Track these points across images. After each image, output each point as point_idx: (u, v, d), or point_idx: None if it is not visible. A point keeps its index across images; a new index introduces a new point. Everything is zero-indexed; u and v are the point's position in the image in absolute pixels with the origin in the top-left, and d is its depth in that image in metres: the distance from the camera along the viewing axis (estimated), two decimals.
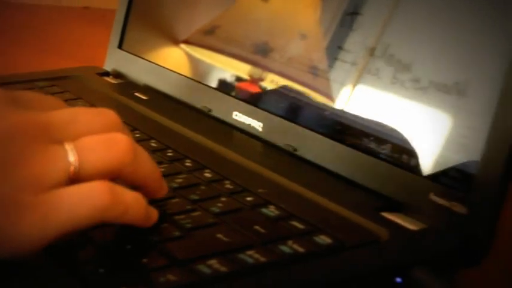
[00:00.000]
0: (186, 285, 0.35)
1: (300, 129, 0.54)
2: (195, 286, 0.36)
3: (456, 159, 0.44)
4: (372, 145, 0.49)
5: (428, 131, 0.46)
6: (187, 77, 0.67)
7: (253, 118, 0.58)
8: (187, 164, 0.51)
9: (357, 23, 0.52)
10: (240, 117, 0.59)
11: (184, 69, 0.68)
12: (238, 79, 0.62)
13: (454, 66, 0.46)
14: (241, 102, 0.60)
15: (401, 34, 0.49)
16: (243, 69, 0.61)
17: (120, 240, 0.40)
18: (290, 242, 0.40)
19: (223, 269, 0.37)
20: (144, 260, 0.37)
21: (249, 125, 0.58)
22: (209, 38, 0.66)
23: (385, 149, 0.48)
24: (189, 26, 0.69)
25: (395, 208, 0.46)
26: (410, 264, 0.40)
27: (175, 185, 0.47)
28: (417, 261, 0.40)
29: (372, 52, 0.51)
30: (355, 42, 0.52)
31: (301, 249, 0.39)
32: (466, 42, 0.45)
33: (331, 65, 0.54)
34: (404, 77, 0.48)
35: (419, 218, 0.44)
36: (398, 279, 0.39)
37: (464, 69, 0.45)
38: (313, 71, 0.55)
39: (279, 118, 0.56)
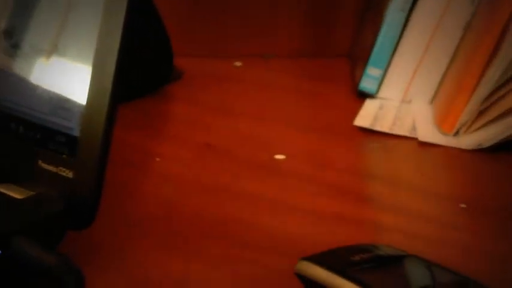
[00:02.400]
0: None
1: None
2: None
3: (61, 123, 0.44)
4: None
5: (33, 97, 0.46)
6: None
7: None
8: None
9: None
10: None
11: None
12: None
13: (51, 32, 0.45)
14: None
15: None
16: None
17: None
18: None
19: None
20: None
21: None
22: None
23: None
24: None
25: (7, 179, 0.45)
26: (12, 233, 0.39)
27: None
28: (20, 230, 0.39)
29: None
30: None
31: None
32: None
33: None
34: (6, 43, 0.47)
35: (30, 186, 0.43)
36: None
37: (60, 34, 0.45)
38: None
39: None
